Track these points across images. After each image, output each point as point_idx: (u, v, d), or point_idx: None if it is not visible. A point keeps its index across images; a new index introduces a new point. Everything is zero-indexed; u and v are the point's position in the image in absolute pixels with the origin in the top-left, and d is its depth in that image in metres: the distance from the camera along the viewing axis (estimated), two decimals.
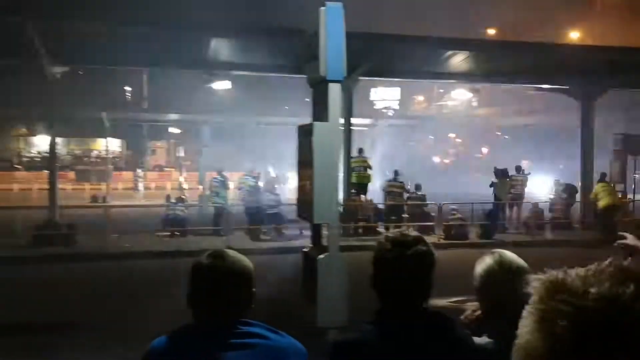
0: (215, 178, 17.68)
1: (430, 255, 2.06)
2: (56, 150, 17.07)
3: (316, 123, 4.86)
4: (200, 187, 18.89)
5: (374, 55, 14.61)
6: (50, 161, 17.27)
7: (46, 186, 16.43)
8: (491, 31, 44.23)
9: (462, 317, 2.43)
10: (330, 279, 4.84)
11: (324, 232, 5.31)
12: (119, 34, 13.09)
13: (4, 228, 15.02)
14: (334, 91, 4.90)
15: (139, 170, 32.17)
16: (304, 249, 5.40)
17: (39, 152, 47.45)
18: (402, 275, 2.02)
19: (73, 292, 10.04)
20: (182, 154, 42.85)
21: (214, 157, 24.96)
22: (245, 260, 2.07)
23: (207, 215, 17.00)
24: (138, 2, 15.36)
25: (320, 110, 5.14)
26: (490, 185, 17.45)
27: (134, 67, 24.72)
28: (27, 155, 48.85)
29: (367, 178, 17.69)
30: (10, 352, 7.09)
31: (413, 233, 2.11)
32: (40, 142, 48.58)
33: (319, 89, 5.16)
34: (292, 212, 16.51)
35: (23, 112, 30.67)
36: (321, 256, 4.88)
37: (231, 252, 2.07)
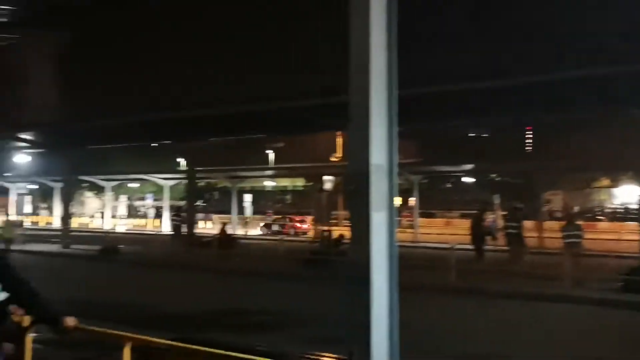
0: None
1: None
2: None
3: None
4: None
5: None
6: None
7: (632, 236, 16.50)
8: None
9: None
10: None
11: None
12: None
13: (589, 272, 16.10)
14: None
15: None
16: None
17: (621, 203, 47.70)
18: None
19: None
20: None
21: None
22: None
23: None
24: None
25: None
26: None
27: None
28: (609, 205, 49.79)
29: None
30: None
31: None
32: (620, 193, 48.69)
33: None
34: None
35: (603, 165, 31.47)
36: None
37: None
